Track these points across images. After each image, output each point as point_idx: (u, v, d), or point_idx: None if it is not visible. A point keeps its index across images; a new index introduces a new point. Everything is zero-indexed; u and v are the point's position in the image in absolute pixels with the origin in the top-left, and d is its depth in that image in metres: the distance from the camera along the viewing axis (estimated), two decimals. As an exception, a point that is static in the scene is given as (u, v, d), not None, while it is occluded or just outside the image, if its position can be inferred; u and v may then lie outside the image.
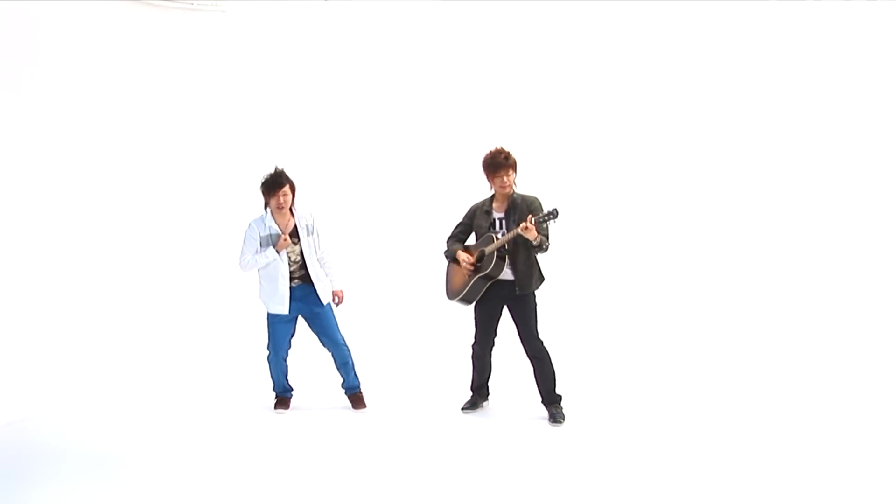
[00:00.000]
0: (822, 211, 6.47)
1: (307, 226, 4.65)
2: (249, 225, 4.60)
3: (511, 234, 4.29)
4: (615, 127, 6.95)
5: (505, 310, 4.54)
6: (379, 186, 7.12)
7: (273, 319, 4.67)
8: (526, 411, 4.63)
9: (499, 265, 4.37)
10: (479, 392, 4.76)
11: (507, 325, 4.58)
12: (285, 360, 4.78)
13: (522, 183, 4.57)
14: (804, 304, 6.34)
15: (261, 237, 4.57)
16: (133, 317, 5.71)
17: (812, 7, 6.41)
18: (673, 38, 6.78)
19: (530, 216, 4.21)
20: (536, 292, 4.47)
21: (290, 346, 4.76)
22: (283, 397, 4.83)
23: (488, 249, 4.41)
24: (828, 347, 5.83)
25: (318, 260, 4.67)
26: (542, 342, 4.46)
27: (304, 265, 4.61)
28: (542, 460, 3.96)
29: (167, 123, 6.00)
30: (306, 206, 4.76)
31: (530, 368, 4.55)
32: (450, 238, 4.66)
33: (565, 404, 4.54)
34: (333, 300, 4.74)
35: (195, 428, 4.50)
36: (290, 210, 4.62)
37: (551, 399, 4.52)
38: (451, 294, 4.61)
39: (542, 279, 4.49)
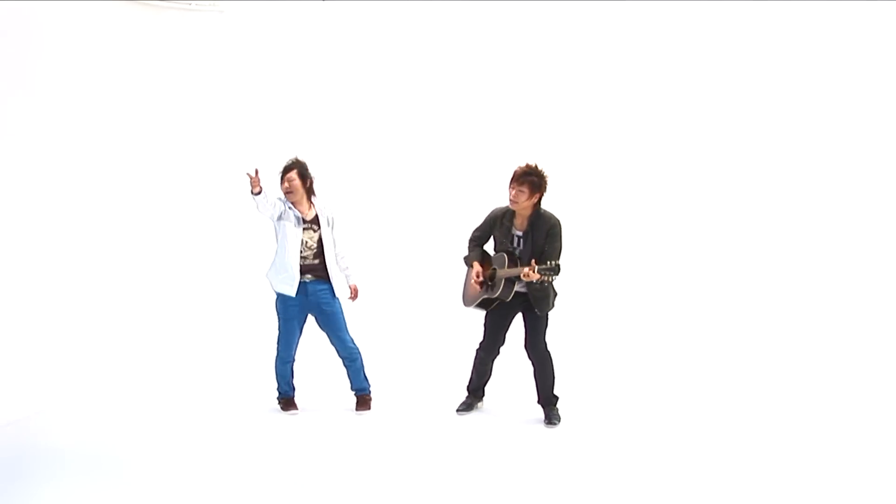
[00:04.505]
0: (821, 213, 6.48)
1: (328, 218, 4.70)
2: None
3: (518, 271, 4.20)
4: (615, 131, 6.96)
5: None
6: (378, 187, 7.12)
7: (285, 315, 4.64)
8: (523, 413, 4.64)
9: (507, 290, 4.34)
10: (475, 394, 4.76)
11: (511, 328, 4.59)
12: (293, 362, 4.77)
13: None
14: (802, 306, 6.35)
15: (282, 209, 4.56)
16: (134, 317, 5.71)
17: (812, 7, 6.41)
18: (673, 40, 6.79)
19: (533, 262, 4.11)
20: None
21: (297, 347, 4.75)
22: (288, 398, 4.82)
23: (500, 273, 4.35)
24: (826, 350, 5.84)
25: (335, 255, 4.71)
26: (546, 346, 4.46)
27: (319, 254, 4.62)
28: (541, 461, 3.97)
29: (165, 123, 6.00)
30: (329, 201, 4.79)
31: (527, 371, 4.55)
32: (471, 240, 4.60)
33: (561, 406, 4.55)
34: (351, 296, 4.79)
35: (196, 428, 4.51)
36: (310, 200, 4.66)
37: (548, 401, 4.52)
38: (465, 302, 4.64)
39: (555, 294, 4.44)
